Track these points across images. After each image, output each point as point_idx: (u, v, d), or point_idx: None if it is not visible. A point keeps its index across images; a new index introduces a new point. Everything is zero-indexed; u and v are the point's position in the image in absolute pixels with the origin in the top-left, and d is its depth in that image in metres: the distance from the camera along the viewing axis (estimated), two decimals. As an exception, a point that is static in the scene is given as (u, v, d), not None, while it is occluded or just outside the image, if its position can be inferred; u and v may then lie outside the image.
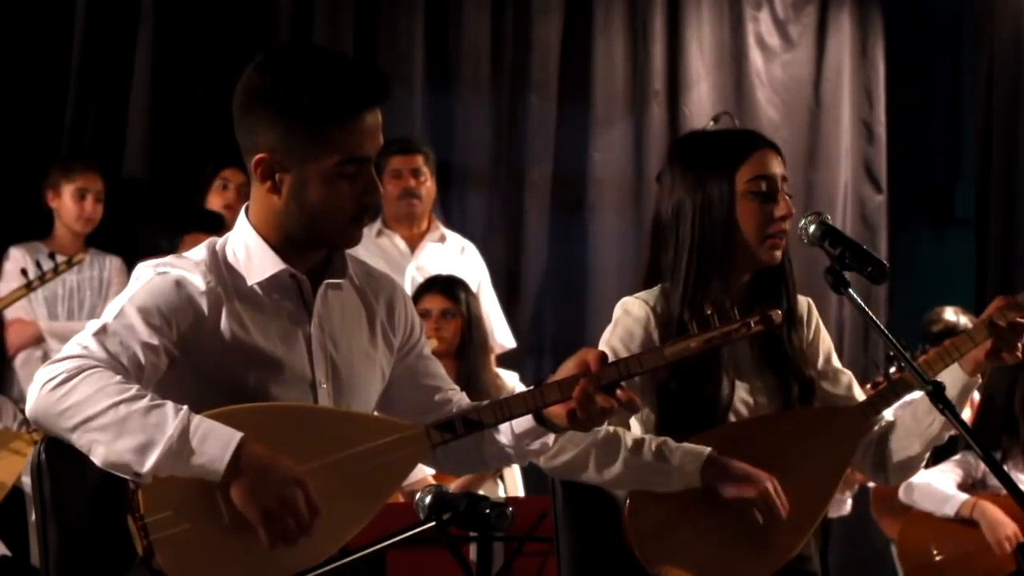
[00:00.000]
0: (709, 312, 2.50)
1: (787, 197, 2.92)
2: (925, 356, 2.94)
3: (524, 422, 2.54)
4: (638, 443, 2.81)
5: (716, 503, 2.82)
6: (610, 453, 2.80)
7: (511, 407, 2.48)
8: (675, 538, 2.83)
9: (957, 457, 4.68)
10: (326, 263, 2.56)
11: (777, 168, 2.92)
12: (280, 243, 2.51)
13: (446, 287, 4.97)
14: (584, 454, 2.82)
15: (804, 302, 3.06)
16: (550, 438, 2.59)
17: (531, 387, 2.55)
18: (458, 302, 4.95)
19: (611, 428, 2.81)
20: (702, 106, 6.78)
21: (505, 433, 2.58)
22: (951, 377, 2.91)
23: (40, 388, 2.29)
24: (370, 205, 2.49)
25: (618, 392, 2.43)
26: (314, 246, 2.53)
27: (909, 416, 2.97)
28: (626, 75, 6.75)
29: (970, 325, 5.35)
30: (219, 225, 5.16)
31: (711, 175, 2.91)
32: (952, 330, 5.39)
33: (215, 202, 5.57)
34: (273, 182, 2.47)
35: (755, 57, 6.96)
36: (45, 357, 5.31)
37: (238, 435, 2.27)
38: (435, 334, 4.82)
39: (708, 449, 2.81)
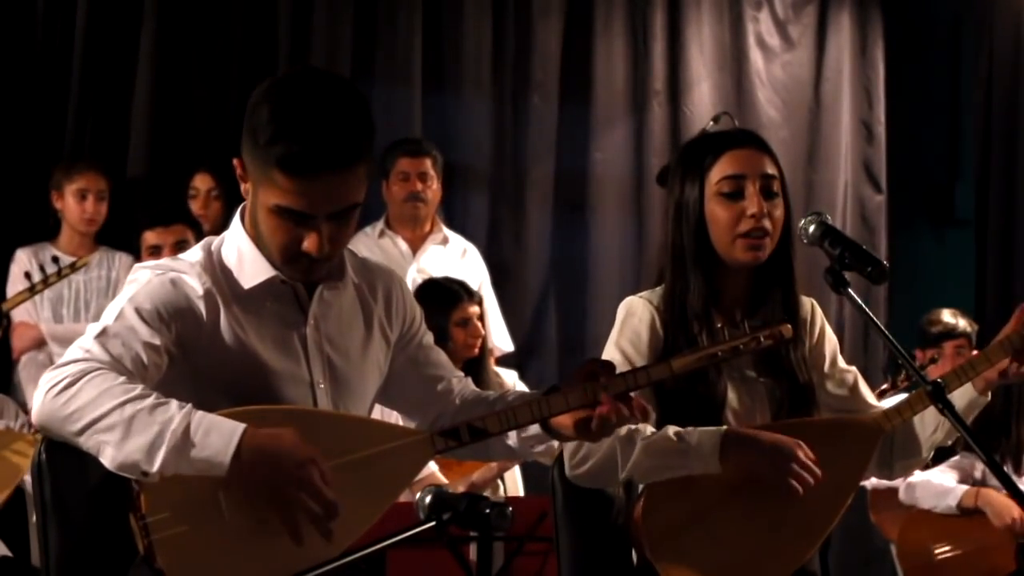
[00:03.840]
0: (719, 325, 2.52)
1: (770, 195, 2.90)
2: (942, 373, 2.93)
3: (530, 427, 2.55)
4: (655, 432, 2.81)
5: (730, 506, 2.82)
6: (631, 447, 2.79)
7: (516, 416, 2.49)
8: (686, 540, 2.82)
9: (955, 458, 4.69)
10: None
11: (755, 167, 2.91)
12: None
13: (472, 292, 4.97)
14: (609, 458, 2.80)
15: (808, 303, 3.05)
16: (555, 443, 2.61)
17: (536, 392, 2.55)
18: (482, 304, 4.98)
19: (631, 425, 2.79)
20: (702, 106, 6.78)
21: (511, 435, 2.60)
22: (959, 391, 2.92)
23: (45, 393, 2.29)
24: (307, 256, 2.43)
25: (633, 403, 2.44)
26: None
27: (916, 421, 2.98)
28: (626, 75, 6.75)
29: (968, 327, 5.41)
30: (172, 216, 5.18)
31: (685, 178, 2.95)
32: (951, 332, 5.40)
33: (192, 210, 5.62)
34: (245, 187, 2.50)
35: (755, 57, 6.97)
36: (48, 360, 5.33)
37: (241, 426, 2.27)
38: (476, 341, 4.84)
39: (724, 428, 2.80)
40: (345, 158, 2.38)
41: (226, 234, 2.56)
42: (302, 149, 2.35)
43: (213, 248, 2.54)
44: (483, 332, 4.88)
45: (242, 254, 2.52)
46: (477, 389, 2.74)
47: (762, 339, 2.54)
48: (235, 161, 2.49)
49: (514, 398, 2.64)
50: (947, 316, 5.45)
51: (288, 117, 2.37)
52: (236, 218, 2.57)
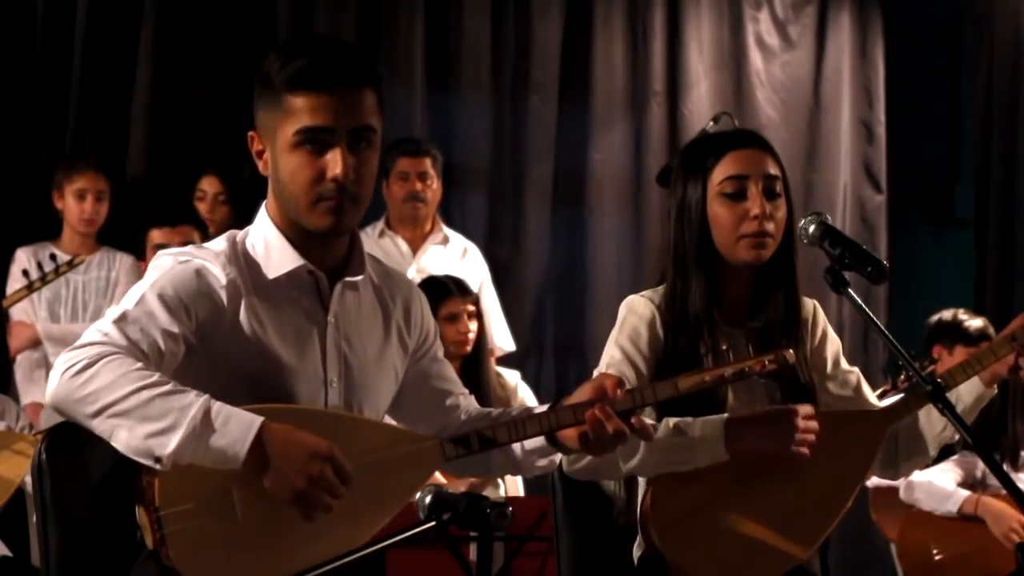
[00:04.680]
0: (724, 347, 2.54)
1: (773, 196, 2.90)
2: (948, 367, 2.94)
3: (535, 440, 2.56)
4: (654, 425, 2.80)
5: (738, 494, 2.83)
6: (631, 443, 2.79)
7: (525, 427, 2.49)
8: (696, 528, 2.83)
9: (956, 457, 4.69)
10: (346, 260, 2.57)
11: (758, 168, 2.91)
12: (292, 233, 2.52)
13: (465, 289, 4.96)
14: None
15: (810, 304, 3.05)
16: (558, 457, 2.62)
17: (541, 407, 2.56)
18: (477, 303, 4.97)
19: None
20: (702, 106, 6.78)
21: (515, 447, 2.60)
22: (967, 386, 2.93)
23: (61, 374, 2.29)
24: (332, 184, 2.43)
25: (632, 420, 2.45)
26: (307, 232, 2.51)
27: (923, 418, 2.99)
28: (626, 75, 6.75)
29: (979, 326, 5.41)
30: (178, 216, 5.18)
31: (688, 178, 2.95)
32: (985, 332, 5.40)
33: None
34: (263, 160, 2.51)
35: (755, 57, 6.97)
36: (43, 360, 5.33)
37: (259, 419, 2.28)
38: (465, 337, 4.83)
39: (725, 416, 2.81)
40: (354, 74, 2.47)
41: (250, 227, 2.56)
42: (311, 61, 2.43)
43: (237, 239, 2.54)
44: (472, 329, 4.86)
45: (269, 244, 2.52)
46: (480, 407, 2.74)
47: (767, 363, 2.57)
48: (250, 134, 2.50)
49: (519, 412, 2.63)
50: (976, 319, 5.42)
51: (296, 45, 2.50)
52: (261, 210, 2.56)
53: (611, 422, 2.42)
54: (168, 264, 2.46)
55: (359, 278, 2.56)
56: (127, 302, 2.40)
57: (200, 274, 2.44)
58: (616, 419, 2.42)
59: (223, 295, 2.45)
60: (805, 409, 2.80)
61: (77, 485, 2.61)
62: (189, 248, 2.52)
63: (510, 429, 2.49)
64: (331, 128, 2.43)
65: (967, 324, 5.36)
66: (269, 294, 2.50)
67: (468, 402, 2.73)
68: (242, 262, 2.50)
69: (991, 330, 5.39)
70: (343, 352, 2.54)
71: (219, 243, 2.53)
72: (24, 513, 4.47)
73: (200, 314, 2.42)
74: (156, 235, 5.11)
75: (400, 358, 2.65)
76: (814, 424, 2.79)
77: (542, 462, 2.63)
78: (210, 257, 2.47)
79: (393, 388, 2.65)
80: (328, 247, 2.54)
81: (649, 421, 2.80)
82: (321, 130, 2.43)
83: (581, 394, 2.48)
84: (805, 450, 2.77)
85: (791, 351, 2.59)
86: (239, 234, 2.56)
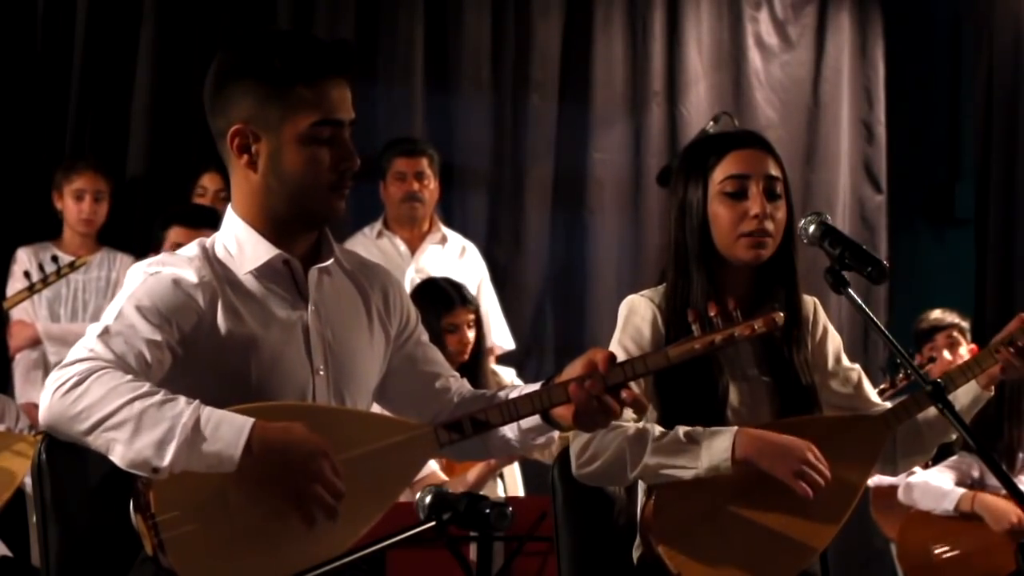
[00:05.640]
0: (713, 314, 2.52)
1: (773, 197, 2.91)
2: (946, 370, 2.95)
3: (530, 418, 2.56)
4: (664, 432, 2.81)
5: (741, 503, 2.83)
6: (640, 447, 2.80)
7: (518, 408, 2.49)
8: (698, 536, 2.83)
9: (955, 457, 4.69)
10: (316, 250, 2.58)
11: (759, 168, 2.92)
12: (268, 227, 2.53)
13: (466, 298, 4.91)
14: (618, 458, 2.81)
15: (810, 302, 3.06)
16: (555, 433, 2.61)
17: (539, 384, 2.55)
18: (478, 311, 4.95)
19: (640, 424, 2.81)
20: (701, 106, 6.78)
21: (511, 427, 2.60)
22: (964, 388, 2.93)
23: (52, 393, 2.30)
24: (348, 171, 2.50)
25: (623, 393, 2.44)
26: (300, 222, 2.53)
27: (921, 418, 2.98)
28: (626, 75, 6.76)
29: (957, 319, 5.47)
30: (202, 219, 5.16)
31: (690, 177, 2.95)
32: (939, 324, 5.47)
33: None
34: (250, 156, 2.50)
35: (754, 57, 6.97)
36: (42, 359, 5.32)
37: (250, 420, 2.28)
38: (465, 347, 4.80)
39: (735, 428, 2.81)
40: (352, 59, 2.55)
41: (218, 232, 2.58)
42: (317, 54, 2.48)
43: (207, 244, 2.56)
44: (471, 340, 4.83)
45: (240, 241, 2.53)
46: (473, 388, 2.74)
47: (756, 327, 2.54)
48: (233, 130, 2.48)
49: (510, 390, 2.64)
50: (935, 312, 5.54)
51: (291, 41, 2.54)
52: (228, 212, 2.57)
53: (602, 397, 2.42)
54: (140, 276, 2.46)
55: (330, 262, 2.57)
56: (107, 317, 2.40)
57: (173, 280, 2.45)
58: (604, 395, 2.43)
59: (199, 296, 2.45)
60: (816, 451, 2.78)
61: (77, 485, 2.61)
62: (160, 257, 2.52)
63: (503, 411, 2.49)
64: (342, 120, 2.49)
65: (922, 320, 5.48)
66: (246, 290, 2.51)
67: (460, 384, 2.73)
68: (215, 264, 2.51)
69: (951, 319, 5.46)
70: (327, 340, 2.54)
71: (190, 249, 2.54)
72: (24, 513, 4.47)
73: (180, 322, 2.43)
74: (177, 234, 5.06)
75: (383, 345, 2.65)
76: (823, 466, 2.78)
77: (539, 440, 2.62)
78: (182, 263, 2.48)
79: (378, 374, 2.65)
80: (303, 237, 2.56)
81: (659, 429, 2.81)
82: (335, 122, 2.48)
83: (573, 370, 2.48)
84: (808, 490, 2.76)
85: (780, 314, 2.57)
86: (207, 240, 2.57)
